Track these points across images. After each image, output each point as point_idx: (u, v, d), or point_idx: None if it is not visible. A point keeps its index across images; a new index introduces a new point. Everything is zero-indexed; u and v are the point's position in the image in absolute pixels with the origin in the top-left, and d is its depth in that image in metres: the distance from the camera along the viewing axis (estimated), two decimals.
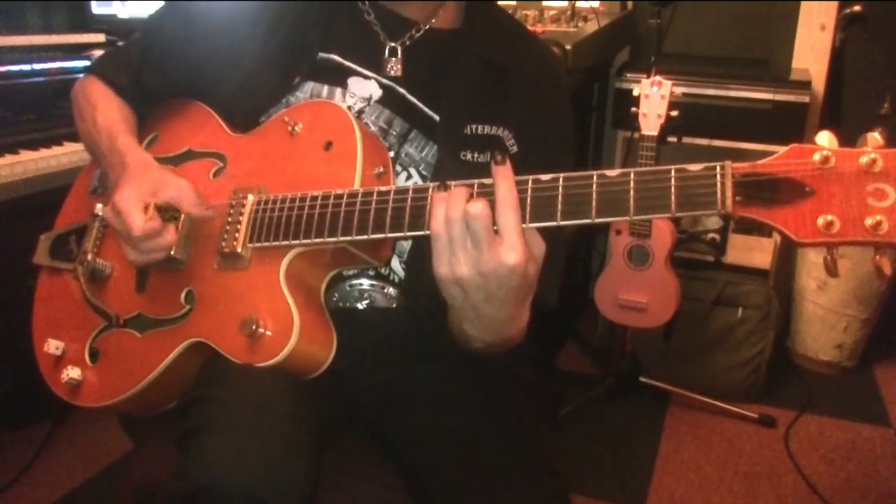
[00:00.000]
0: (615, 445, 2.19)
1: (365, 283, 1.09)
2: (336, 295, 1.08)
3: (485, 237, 0.77)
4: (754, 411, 2.28)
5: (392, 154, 1.08)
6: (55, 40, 1.92)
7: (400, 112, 1.10)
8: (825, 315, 2.48)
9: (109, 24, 2.09)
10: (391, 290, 1.10)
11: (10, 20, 1.90)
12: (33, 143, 1.74)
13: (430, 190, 0.84)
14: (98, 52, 1.95)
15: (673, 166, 0.74)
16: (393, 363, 1.10)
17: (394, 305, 1.10)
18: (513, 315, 0.84)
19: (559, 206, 0.78)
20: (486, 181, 0.81)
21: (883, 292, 2.42)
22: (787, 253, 2.52)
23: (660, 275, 2.08)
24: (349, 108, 1.07)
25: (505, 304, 0.81)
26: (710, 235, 2.47)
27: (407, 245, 1.09)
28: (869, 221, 0.67)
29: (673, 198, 0.73)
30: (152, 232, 0.95)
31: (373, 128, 1.09)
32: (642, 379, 2.31)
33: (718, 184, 0.72)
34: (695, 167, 0.74)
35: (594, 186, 0.77)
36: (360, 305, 1.09)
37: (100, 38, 2.00)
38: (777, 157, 0.71)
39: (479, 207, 0.77)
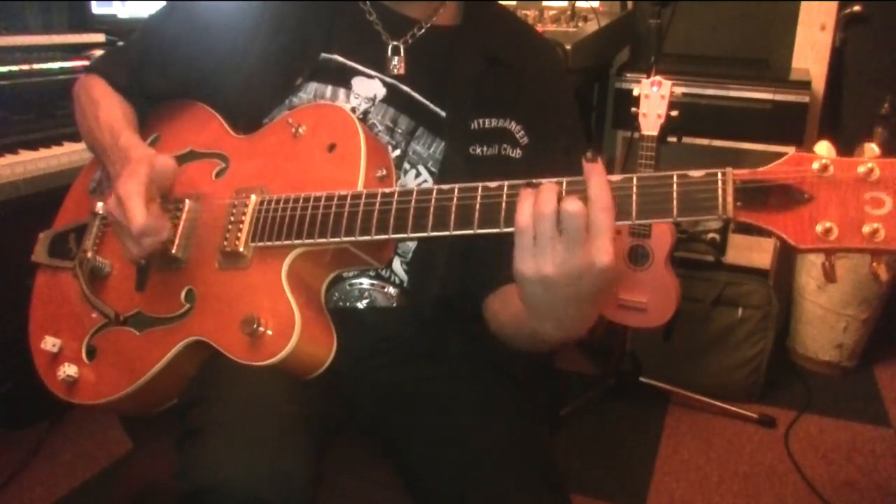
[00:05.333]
0: (615, 445, 2.19)
1: (365, 282, 1.09)
2: (336, 294, 1.08)
3: (579, 237, 0.73)
4: (754, 411, 2.28)
5: (399, 152, 1.09)
6: (55, 40, 1.92)
7: (405, 110, 1.10)
8: (825, 315, 2.48)
9: (109, 24, 2.08)
10: (391, 290, 1.10)
11: (10, 20, 1.89)
12: (33, 143, 1.73)
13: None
14: (98, 52, 1.95)
15: (675, 172, 0.75)
16: (393, 363, 1.11)
17: (394, 305, 1.10)
18: (591, 315, 0.82)
19: None
20: (576, 178, 0.77)
21: (883, 292, 2.42)
22: (787, 253, 2.52)
23: (660, 275, 2.08)
24: (354, 108, 1.08)
25: (587, 303, 0.78)
26: (710, 235, 2.46)
27: (411, 247, 1.09)
28: (866, 229, 0.68)
29: (675, 202, 0.74)
30: (152, 229, 0.95)
31: (379, 127, 1.09)
32: (642, 379, 2.31)
33: (720, 189, 0.73)
34: (696, 173, 0.75)
35: None
36: (361, 305, 1.09)
37: (100, 38, 1.99)
38: (777, 164, 0.72)
39: (577, 206, 0.73)
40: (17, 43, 1.83)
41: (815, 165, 0.70)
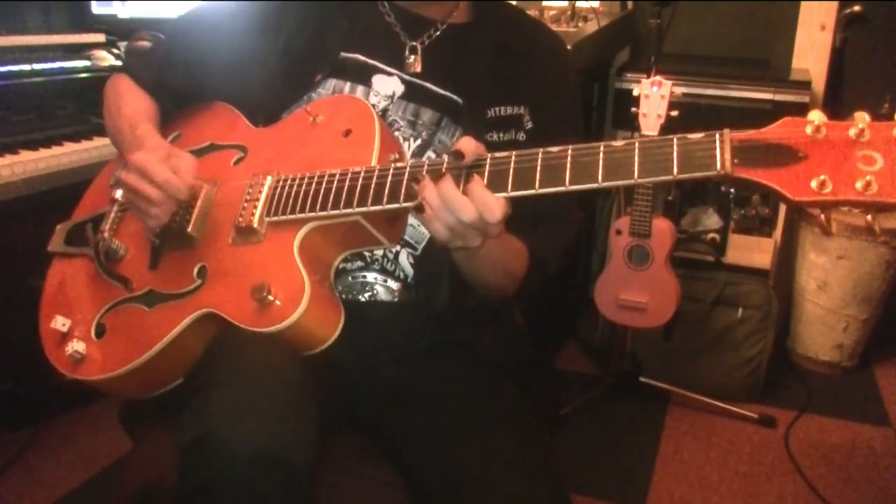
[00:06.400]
0: (615, 445, 2.19)
1: (369, 276, 1.10)
2: (340, 287, 1.09)
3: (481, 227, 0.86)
4: (754, 411, 2.28)
5: (420, 142, 1.13)
6: (55, 40, 1.92)
7: (426, 103, 1.14)
8: (825, 315, 2.48)
9: (109, 24, 2.08)
10: (392, 284, 1.11)
11: (10, 20, 1.89)
12: (33, 143, 1.74)
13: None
14: (98, 52, 1.96)
15: (675, 135, 0.79)
16: (393, 361, 1.11)
17: (395, 300, 1.11)
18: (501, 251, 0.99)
19: (568, 172, 0.82)
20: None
21: (883, 292, 2.42)
22: (787, 253, 2.52)
23: (660, 275, 2.08)
24: (373, 106, 1.10)
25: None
26: (710, 235, 2.47)
27: (423, 240, 1.11)
28: (859, 183, 0.71)
29: (675, 161, 0.78)
30: (172, 180, 0.96)
31: (401, 122, 1.13)
32: (642, 379, 2.31)
33: (718, 148, 0.76)
34: (695, 135, 0.78)
35: (601, 155, 0.82)
36: (363, 298, 1.10)
37: (100, 38, 2.00)
38: (772, 127, 0.76)
39: (471, 214, 0.84)
40: (17, 43, 1.83)
41: (809, 128, 0.74)
